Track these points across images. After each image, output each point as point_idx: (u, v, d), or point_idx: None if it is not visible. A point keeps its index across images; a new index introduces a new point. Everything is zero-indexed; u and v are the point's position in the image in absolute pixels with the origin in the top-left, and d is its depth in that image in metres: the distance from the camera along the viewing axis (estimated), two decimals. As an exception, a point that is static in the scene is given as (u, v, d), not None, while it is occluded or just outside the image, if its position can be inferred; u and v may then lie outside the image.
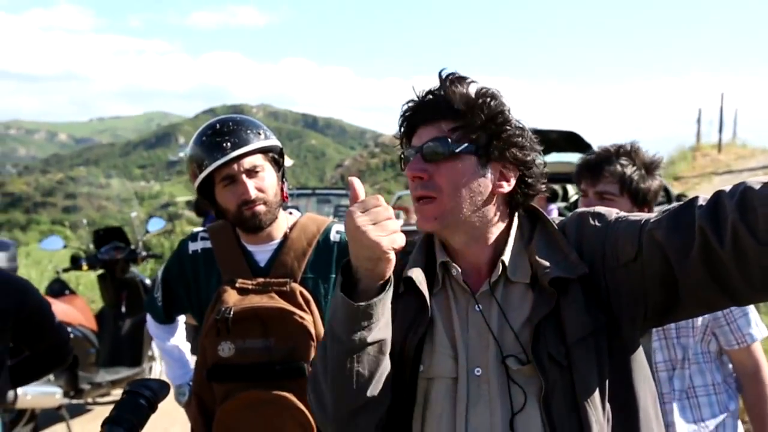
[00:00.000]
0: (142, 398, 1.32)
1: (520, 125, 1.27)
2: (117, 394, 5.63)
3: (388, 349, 1.18)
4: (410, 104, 1.27)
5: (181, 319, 2.26)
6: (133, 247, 5.44)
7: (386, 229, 1.09)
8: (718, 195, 1.03)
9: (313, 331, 1.87)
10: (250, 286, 1.92)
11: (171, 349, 2.23)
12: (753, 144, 18.22)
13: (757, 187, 0.98)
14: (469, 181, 1.21)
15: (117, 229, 5.65)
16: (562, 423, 1.14)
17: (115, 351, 5.22)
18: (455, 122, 1.21)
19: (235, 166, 1.88)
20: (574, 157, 7.74)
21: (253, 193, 1.90)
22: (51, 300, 4.93)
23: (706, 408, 1.97)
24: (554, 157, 7.96)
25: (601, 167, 2.04)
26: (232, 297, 1.90)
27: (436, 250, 1.30)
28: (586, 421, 1.13)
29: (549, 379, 1.15)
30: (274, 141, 2.00)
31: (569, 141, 7.19)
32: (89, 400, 5.21)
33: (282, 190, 2.02)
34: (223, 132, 1.90)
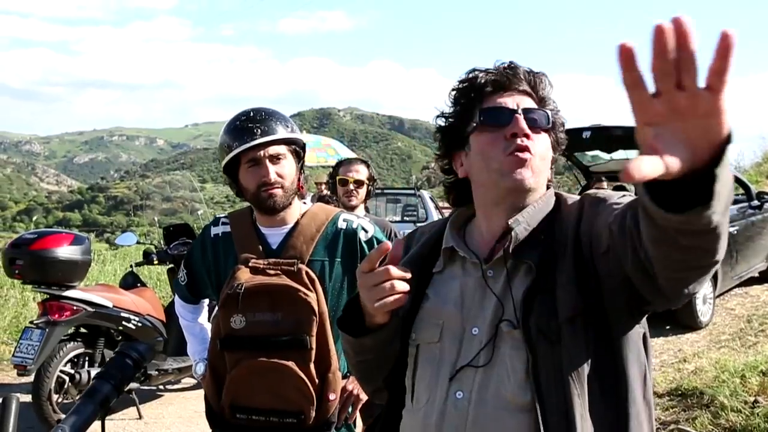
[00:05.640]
0: (129, 359, 1.46)
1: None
2: (186, 381, 5.94)
3: (395, 349, 1.33)
4: (492, 69, 1.34)
5: (206, 301, 2.42)
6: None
7: (379, 293, 1.18)
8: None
9: (316, 307, 1.99)
10: (261, 266, 2.05)
11: (193, 327, 2.38)
12: None
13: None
14: (548, 156, 1.32)
15: (185, 225, 5.97)
16: (549, 394, 1.17)
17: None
18: (540, 102, 1.32)
19: (261, 152, 2.04)
20: (640, 154, 7.48)
21: (273, 177, 2.05)
22: (124, 292, 5.30)
23: None
24: (621, 155, 7.75)
25: None
26: (244, 275, 2.03)
27: (444, 238, 1.37)
28: (569, 396, 1.16)
29: (535, 349, 1.18)
30: (298, 135, 2.16)
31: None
32: (158, 386, 5.52)
33: (299, 180, 2.15)
34: (255, 120, 2.07)
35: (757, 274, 7.83)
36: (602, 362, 1.21)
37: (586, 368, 1.19)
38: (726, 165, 0.83)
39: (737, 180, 8.59)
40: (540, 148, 1.28)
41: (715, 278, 6.55)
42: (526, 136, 1.26)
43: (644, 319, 1.27)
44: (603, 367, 1.21)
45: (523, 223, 1.28)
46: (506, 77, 1.32)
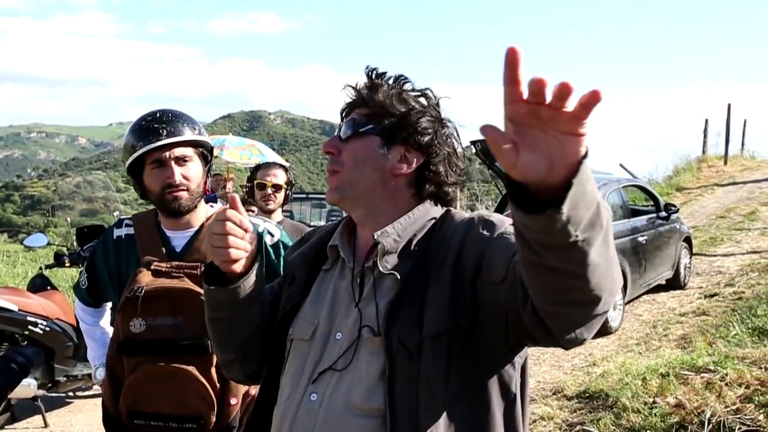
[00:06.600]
0: (15, 363, 1.43)
1: (436, 118, 1.35)
2: (97, 388, 5.75)
3: (250, 318, 1.37)
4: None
5: (108, 304, 2.36)
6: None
7: (216, 241, 1.27)
8: None
9: None
10: (163, 269, 2.03)
11: (94, 331, 2.33)
12: (762, 156, 17.96)
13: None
14: (369, 158, 1.31)
15: (99, 227, 5.76)
16: (402, 404, 1.19)
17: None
18: (367, 109, 1.33)
19: (167, 153, 2.02)
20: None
21: (178, 179, 2.03)
22: (31, 295, 5.09)
23: None
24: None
25: None
26: (145, 278, 2.01)
27: (334, 235, 1.41)
28: (421, 409, 1.18)
29: (393, 359, 1.20)
30: (206, 138, 2.14)
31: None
32: (67, 392, 5.32)
33: (205, 183, 2.13)
34: (161, 120, 2.04)
35: (664, 282, 8.22)
36: (462, 386, 1.21)
37: (443, 386, 1.20)
38: (584, 180, 0.85)
39: (647, 192, 9.02)
40: (352, 155, 1.32)
41: (624, 286, 6.85)
42: (330, 153, 1.34)
43: (525, 350, 1.28)
44: (462, 391, 1.22)
45: (393, 235, 1.31)
46: (349, 100, 1.37)
